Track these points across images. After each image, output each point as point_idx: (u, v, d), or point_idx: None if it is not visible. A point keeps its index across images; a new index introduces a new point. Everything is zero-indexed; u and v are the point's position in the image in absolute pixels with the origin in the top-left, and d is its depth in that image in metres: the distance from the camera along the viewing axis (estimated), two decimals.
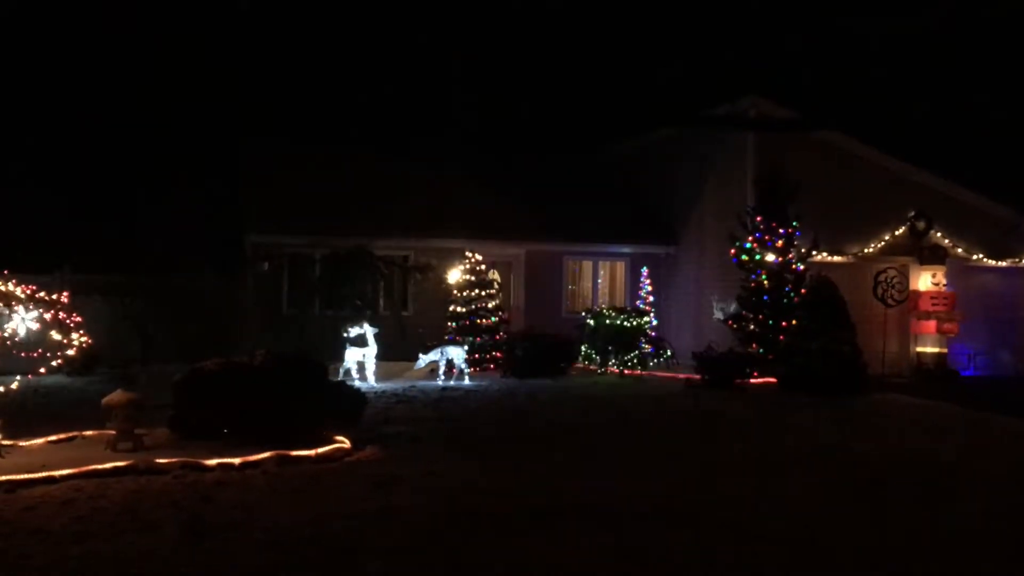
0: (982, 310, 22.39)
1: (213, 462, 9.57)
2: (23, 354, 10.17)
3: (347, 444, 10.61)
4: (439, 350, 18.29)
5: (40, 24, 30.49)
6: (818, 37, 27.88)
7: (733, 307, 20.09)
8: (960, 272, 22.20)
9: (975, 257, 22.54)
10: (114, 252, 20.46)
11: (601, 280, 25.09)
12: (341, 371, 17.20)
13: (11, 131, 29.52)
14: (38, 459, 9.69)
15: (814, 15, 27.58)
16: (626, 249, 24.53)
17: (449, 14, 28.97)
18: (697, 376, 18.01)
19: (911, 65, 26.64)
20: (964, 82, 26.39)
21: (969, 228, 22.54)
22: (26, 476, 8.81)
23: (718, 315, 20.08)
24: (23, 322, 9.82)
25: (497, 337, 20.46)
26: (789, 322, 17.90)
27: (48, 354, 10.32)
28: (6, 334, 9.73)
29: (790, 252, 19.55)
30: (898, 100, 26.03)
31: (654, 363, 20.57)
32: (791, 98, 21.21)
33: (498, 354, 20.10)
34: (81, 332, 10.62)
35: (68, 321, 10.34)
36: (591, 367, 20.25)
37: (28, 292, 10.05)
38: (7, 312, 9.80)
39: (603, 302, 24.23)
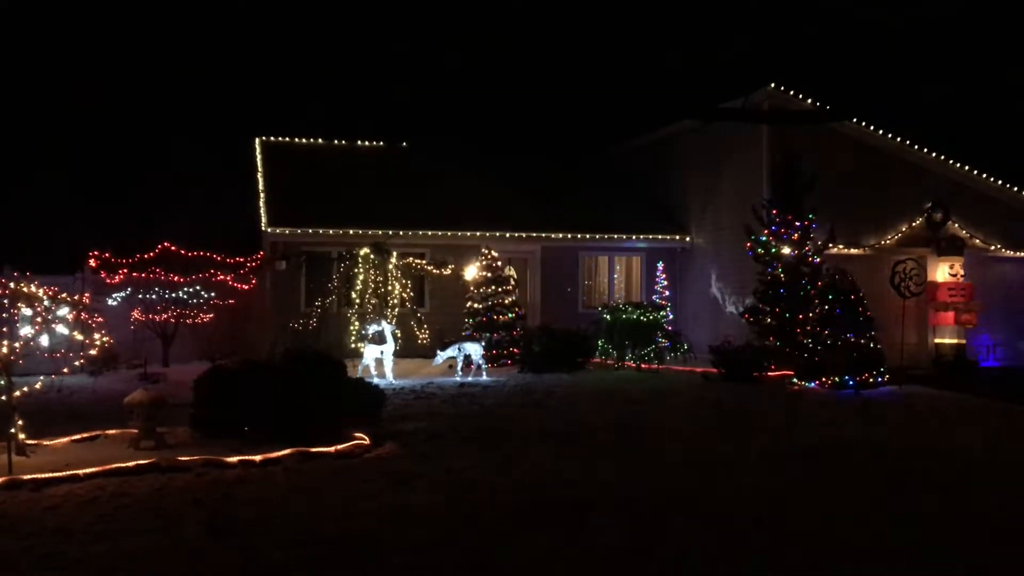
0: (1001, 301, 22.27)
1: (234, 459, 9.67)
2: (46, 354, 10.27)
3: (366, 441, 10.69)
4: (456, 346, 18.35)
5: (55, 24, 30.71)
6: (833, 27, 27.77)
7: (748, 300, 20.10)
8: (978, 263, 22.08)
9: (993, 247, 22.41)
10: (133, 252, 20.56)
11: (617, 275, 25.10)
12: (359, 368, 17.28)
13: (28, 133, 29.77)
14: (62, 458, 9.82)
15: (829, 4, 27.48)
16: (641, 244, 24.52)
17: (467, 7, 29.04)
18: (714, 370, 18.00)
19: (927, 53, 26.51)
20: (980, 69, 26.22)
21: (987, 218, 22.41)
22: (50, 475, 8.93)
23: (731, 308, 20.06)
24: (50, 324, 9.91)
25: (514, 333, 20.50)
26: (806, 315, 17.85)
27: (71, 354, 10.44)
28: (30, 335, 9.83)
29: (806, 245, 19.50)
30: (914, 89, 25.91)
31: (671, 357, 20.56)
32: (806, 89, 21.12)
33: (515, 350, 20.15)
34: (102, 332, 10.72)
35: (90, 321, 10.44)
36: (608, 362, 20.24)
37: (50, 294, 10.16)
38: (31, 314, 9.90)
39: (619, 297, 24.28)
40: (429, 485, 8.87)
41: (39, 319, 9.87)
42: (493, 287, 20.71)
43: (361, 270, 21.54)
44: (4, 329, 9.74)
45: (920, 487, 9.09)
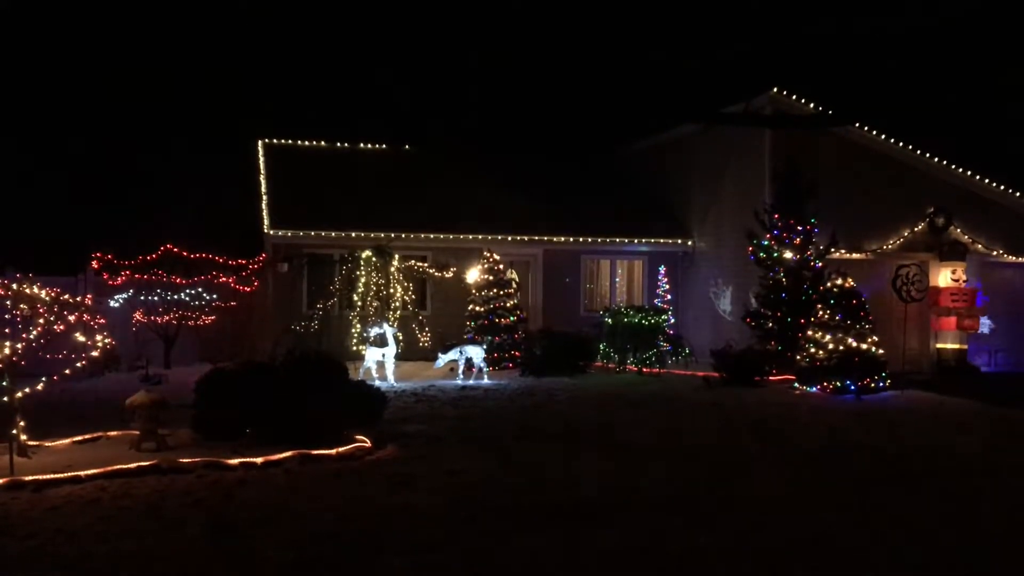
0: (1002, 306, 22.26)
1: (235, 461, 9.68)
2: (48, 355, 10.28)
3: (368, 443, 10.69)
4: (458, 349, 18.34)
5: (59, 24, 30.77)
6: (836, 31, 27.78)
7: (728, 299, 20.12)
8: (980, 268, 22.07)
9: (995, 253, 22.39)
10: (135, 254, 20.58)
11: (619, 279, 25.10)
12: (361, 370, 17.28)
13: (30, 133, 29.81)
14: (63, 459, 9.83)
15: (832, 8, 27.49)
16: (644, 247, 24.52)
17: (467, 11, 29.05)
18: (716, 374, 17.99)
19: (930, 58, 26.50)
20: (982, 73, 26.22)
21: (989, 223, 22.40)
22: (52, 476, 8.94)
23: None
24: (50, 324, 9.93)
25: (516, 336, 20.50)
26: (808, 319, 17.85)
27: (72, 355, 10.44)
28: (31, 336, 9.83)
29: (808, 249, 19.48)
30: (917, 93, 25.88)
31: (672, 361, 20.56)
32: (808, 94, 21.12)
33: (517, 353, 20.14)
34: (104, 333, 10.72)
35: (92, 323, 10.45)
36: (610, 366, 20.24)
37: (53, 295, 10.17)
38: (32, 315, 9.91)
39: (621, 300, 24.28)
40: (430, 487, 8.88)
41: (41, 320, 9.88)
42: (495, 290, 20.71)
43: (363, 272, 21.56)
44: (6, 330, 9.75)
45: (921, 492, 9.08)
